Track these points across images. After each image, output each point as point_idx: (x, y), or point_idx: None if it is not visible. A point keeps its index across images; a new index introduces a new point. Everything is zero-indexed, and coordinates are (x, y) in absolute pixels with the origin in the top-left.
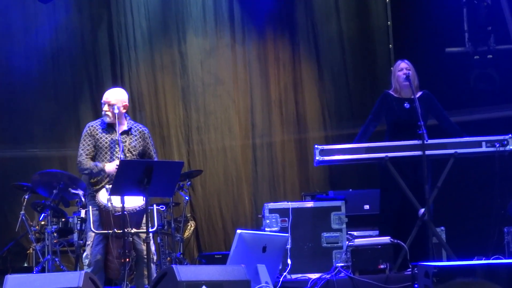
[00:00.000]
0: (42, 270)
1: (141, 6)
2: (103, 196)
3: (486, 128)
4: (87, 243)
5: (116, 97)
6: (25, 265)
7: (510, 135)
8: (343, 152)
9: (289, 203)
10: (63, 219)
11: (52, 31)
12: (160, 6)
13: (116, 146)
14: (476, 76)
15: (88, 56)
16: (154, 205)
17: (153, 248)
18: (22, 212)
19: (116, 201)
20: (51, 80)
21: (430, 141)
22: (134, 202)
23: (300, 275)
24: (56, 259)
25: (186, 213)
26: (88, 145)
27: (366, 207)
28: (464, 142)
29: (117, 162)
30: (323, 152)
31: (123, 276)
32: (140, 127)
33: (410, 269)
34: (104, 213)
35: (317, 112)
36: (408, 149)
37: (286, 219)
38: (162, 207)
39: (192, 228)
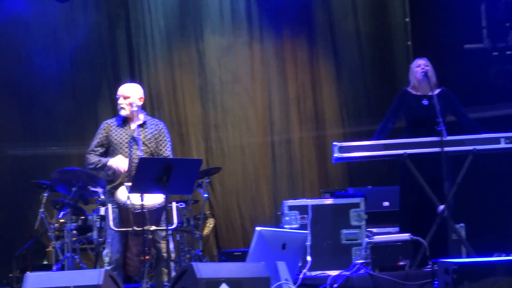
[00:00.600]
0: (62, 268)
1: (159, 4)
2: (122, 193)
3: (505, 124)
4: (107, 240)
5: (131, 90)
6: (45, 263)
7: None
8: (361, 149)
9: (309, 200)
10: (82, 217)
11: (70, 29)
12: (177, 4)
13: (133, 142)
14: (494, 73)
15: (106, 54)
16: (174, 203)
17: (172, 245)
18: (42, 210)
19: (135, 198)
20: (70, 79)
21: (448, 138)
22: (153, 199)
23: (319, 272)
24: (76, 257)
25: (205, 210)
26: (97, 142)
27: (386, 204)
28: (482, 138)
29: (120, 156)
30: (341, 149)
31: (143, 273)
32: (156, 121)
33: (430, 266)
34: (123, 210)
35: (335, 110)
36: (427, 146)
37: (306, 216)
38: (181, 205)
39: (211, 226)
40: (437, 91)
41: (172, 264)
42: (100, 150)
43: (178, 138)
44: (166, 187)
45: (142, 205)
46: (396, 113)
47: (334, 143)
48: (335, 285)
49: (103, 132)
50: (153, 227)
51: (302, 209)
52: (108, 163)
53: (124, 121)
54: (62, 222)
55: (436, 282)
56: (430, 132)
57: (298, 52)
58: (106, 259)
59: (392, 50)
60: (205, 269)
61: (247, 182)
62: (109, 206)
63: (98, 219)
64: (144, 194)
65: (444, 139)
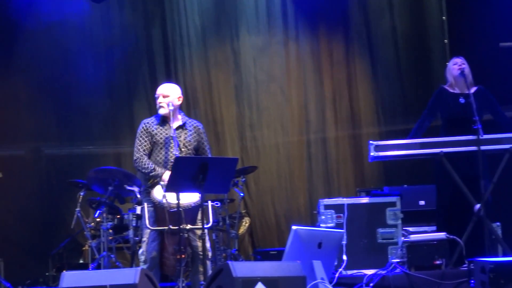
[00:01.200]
0: (98, 267)
1: (194, 4)
2: (158, 192)
3: None
4: (143, 239)
5: (170, 89)
6: (81, 262)
7: None
8: (397, 148)
9: (344, 199)
10: (118, 216)
11: (106, 29)
12: (213, 4)
13: (171, 142)
14: None
15: (142, 53)
16: (209, 202)
17: (208, 244)
18: (78, 209)
19: (171, 197)
20: (106, 78)
21: (485, 136)
22: (189, 198)
23: (355, 271)
24: (112, 256)
25: (240, 209)
26: (145, 141)
27: (421, 202)
28: None
29: None
30: (377, 148)
31: (179, 272)
32: (195, 123)
33: (466, 265)
34: (159, 209)
35: (371, 108)
36: (463, 145)
37: (342, 215)
38: (217, 204)
39: (246, 225)
40: (473, 89)
41: (208, 262)
42: (149, 149)
43: (213, 137)
44: (202, 186)
45: (178, 204)
46: (432, 111)
47: (370, 141)
48: (371, 284)
49: (145, 131)
50: (189, 226)
51: (338, 208)
52: (163, 176)
53: (163, 121)
54: (98, 221)
55: (472, 281)
56: (466, 131)
57: (334, 51)
58: (142, 258)
59: (428, 49)
60: (241, 268)
61: (282, 181)
62: (145, 205)
63: (134, 218)
64: (180, 193)
65: (481, 137)
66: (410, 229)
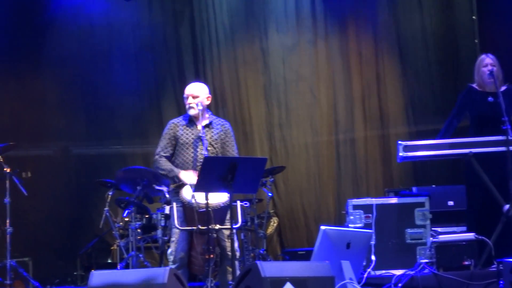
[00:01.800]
0: (126, 267)
1: (223, 3)
2: (187, 192)
3: None
4: (172, 239)
5: (199, 89)
6: (109, 261)
7: None
8: (426, 148)
9: (373, 199)
10: (146, 216)
11: (135, 28)
12: (242, 3)
13: (199, 142)
14: None
15: (170, 52)
16: (238, 202)
17: (236, 244)
18: (106, 208)
19: (200, 197)
20: (134, 77)
21: None
22: (218, 198)
23: (384, 271)
24: (140, 256)
25: (269, 209)
26: (167, 143)
27: (450, 203)
28: None
29: (192, 173)
30: (406, 148)
31: (207, 272)
32: (222, 121)
33: (495, 266)
34: (188, 209)
35: (400, 108)
36: (492, 145)
37: (370, 215)
38: (246, 204)
39: (275, 225)
40: (503, 88)
41: (236, 262)
42: (170, 151)
43: (242, 137)
44: (231, 186)
45: (206, 203)
46: (461, 110)
47: (399, 142)
48: (400, 285)
49: (170, 132)
50: (217, 226)
51: (367, 208)
52: (180, 176)
53: (191, 121)
54: (127, 220)
55: (501, 282)
56: (495, 130)
57: (363, 50)
58: (171, 258)
59: (458, 48)
60: (269, 268)
61: (311, 181)
62: (174, 204)
63: (163, 218)
64: (209, 193)
65: (510, 138)
66: (439, 229)
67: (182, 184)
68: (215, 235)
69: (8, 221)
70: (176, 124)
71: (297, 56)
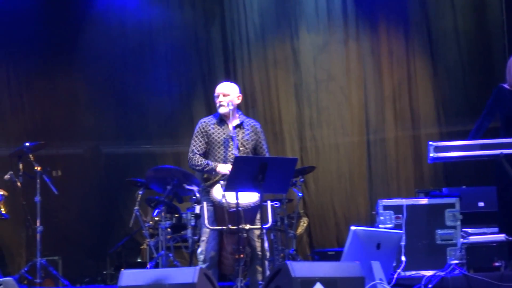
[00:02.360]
0: (156, 266)
1: (254, 2)
2: (217, 192)
3: None
4: (202, 239)
5: (230, 88)
6: (139, 260)
7: None
8: (457, 149)
9: (403, 200)
10: (176, 215)
11: (165, 27)
12: (272, 2)
13: (230, 141)
14: None
15: (201, 52)
16: (268, 201)
17: (266, 244)
18: (136, 208)
19: (230, 197)
20: (165, 76)
21: None
22: (248, 198)
23: (414, 272)
24: (170, 255)
25: (299, 209)
26: (200, 141)
27: (481, 204)
28: None
29: (229, 165)
30: (437, 149)
31: (237, 272)
32: (253, 122)
33: None
34: (218, 209)
35: (431, 108)
36: None
37: (401, 216)
38: (276, 204)
39: (305, 225)
40: None
41: (266, 262)
42: (203, 148)
43: (272, 137)
44: (262, 185)
45: (237, 203)
46: (491, 110)
47: (430, 142)
48: (430, 286)
49: (201, 130)
50: (248, 226)
51: (397, 209)
52: (217, 169)
53: (221, 120)
54: (157, 220)
55: None
56: None
57: (394, 50)
58: (201, 257)
59: (490, 48)
60: (299, 268)
61: (342, 181)
62: (205, 204)
63: (193, 217)
64: (239, 193)
65: None
66: (469, 230)
67: (213, 183)
68: (245, 235)
69: (38, 220)
70: (206, 123)
71: (328, 55)
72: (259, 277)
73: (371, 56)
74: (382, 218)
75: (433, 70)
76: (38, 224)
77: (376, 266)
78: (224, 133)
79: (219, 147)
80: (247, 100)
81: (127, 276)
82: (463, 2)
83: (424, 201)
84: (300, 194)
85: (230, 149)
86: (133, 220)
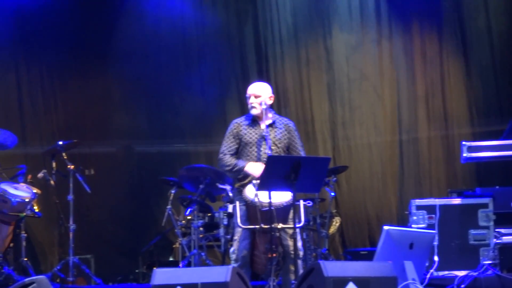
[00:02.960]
0: (188, 265)
1: (287, 2)
2: (250, 191)
3: None
4: (234, 238)
5: (261, 89)
6: (171, 259)
7: None
8: (490, 149)
9: (436, 199)
10: (209, 214)
11: (198, 26)
12: (305, 1)
13: (263, 141)
14: None
15: (234, 51)
16: (301, 201)
17: (299, 243)
18: (169, 206)
19: (263, 196)
20: (198, 75)
21: None
22: (281, 197)
23: (446, 272)
24: (202, 254)
25: (331, 209)
26: (231, 142)
27: None
28: None
29: (259, 165)
30: (470, 149)
31: (270, 271)
32: (285, 121)
33: None
34: (251, 208)
35: (464, 108)
36: None
37: (433, 215)
38: (309, 203)
39: (337, 224)
40: None
41: (299, 262)
42: (234, 149)
43: (304, 136)
44: (294, 185)
45: (270, 202)
46: None
47: (463, 142)
48: (463, 286)
49: (233, 131)
50: (280, 225)
51: (430, 209)
52: (245, 169)
53: (254, 120)
54: (189, 219)
55: None
56: None
57: (427, 50)
58: (233, 256)
59: None
60: (332, 268)
61: (374, 181)
62: (237, 203)
63: (225, 216)
64: (272, 192)
65: None
66: (503, 231)
67: (246, 183)
68: (278, 234)
69: (71, 218)
70: (239, 124)
71: (361, 55)
72: (292, 276)
73: (404, 56)
74: (415, 218)
75: (466, 70)
76: (71, 222)
77: (409, 266)
78: (256, 133)
79: (251, 147)
80: (279, 99)
81: (160, 274)
82: (497, 3)
83: (457, 201)
84: (332, 194)
85: (263, 149)
86: (165, 219)
